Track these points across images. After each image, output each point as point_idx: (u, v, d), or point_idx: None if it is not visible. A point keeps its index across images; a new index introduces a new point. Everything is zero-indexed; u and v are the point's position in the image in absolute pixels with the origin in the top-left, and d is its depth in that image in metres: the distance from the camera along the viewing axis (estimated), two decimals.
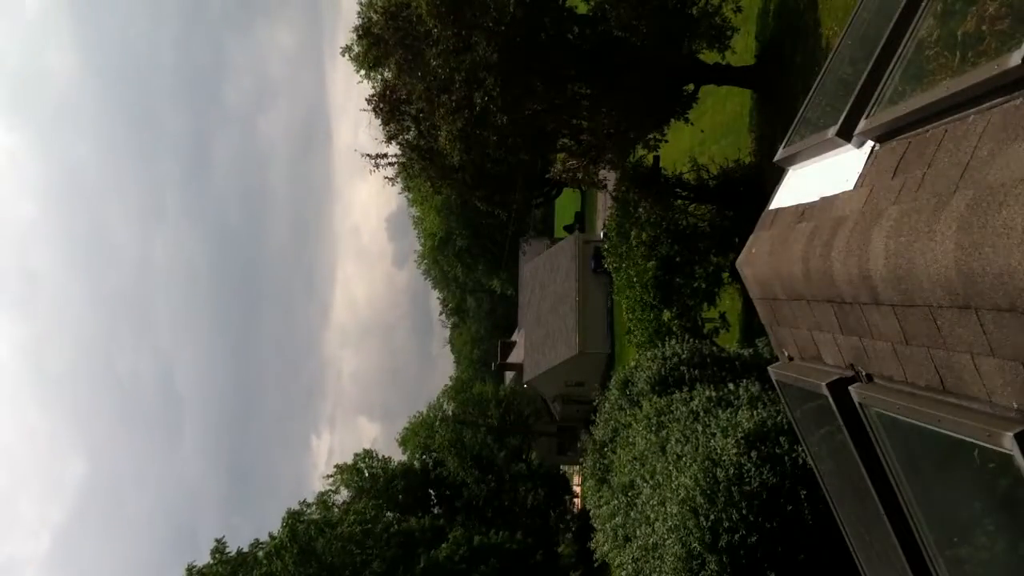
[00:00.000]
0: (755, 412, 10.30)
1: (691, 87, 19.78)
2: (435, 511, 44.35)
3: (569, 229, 57.38)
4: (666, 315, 18.77)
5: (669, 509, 9.83)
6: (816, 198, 3.83)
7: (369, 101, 18.60)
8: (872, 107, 3.48)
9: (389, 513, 39.77)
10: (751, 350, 14.46)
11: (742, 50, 21.16)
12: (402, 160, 19.33)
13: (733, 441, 9.75)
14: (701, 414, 11.23)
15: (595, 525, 13.05)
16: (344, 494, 44.61)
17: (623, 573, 11.10)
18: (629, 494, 11.65)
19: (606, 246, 20.91)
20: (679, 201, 19.35)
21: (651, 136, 19.23)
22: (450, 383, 64.38)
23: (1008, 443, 2.28)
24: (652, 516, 10.39)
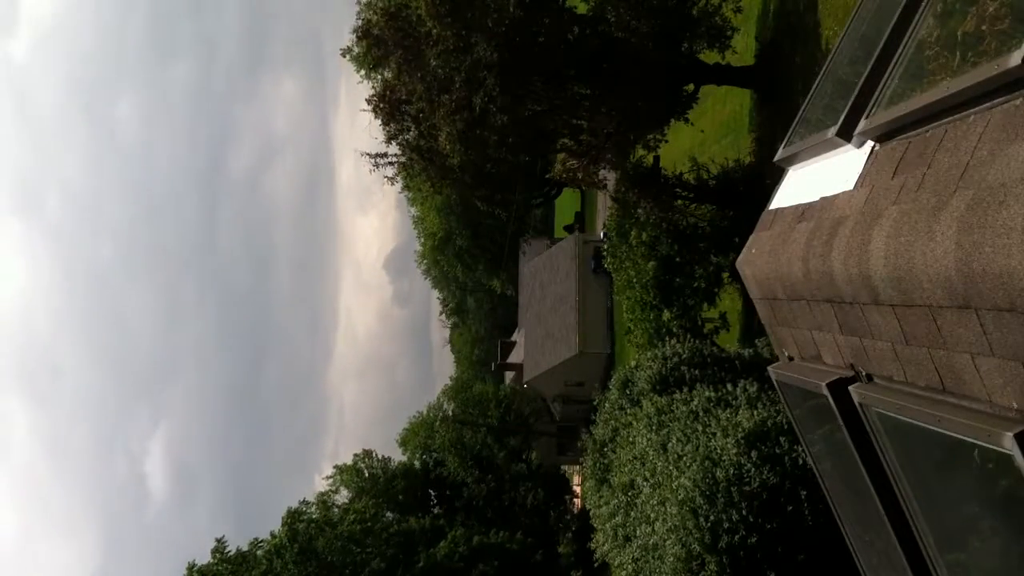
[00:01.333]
0: (755, 412, 10.30)
1: (691, 87, 19.79)
2: (435, 511, 44.34)
3: (569, 229, 57.39)
4: (666, 315, 18.77)
5: (669, 509, 9.82)
6: (816, 198, 3.83)
7: (369, 101, 18.60)
8: (872, 107, 3.48)
9: (389, 513, 39.79)
10: (751, 350, 14.46)
11: (742, 50, 21.16)
12: (402, 160, 19.33)
13: (733, 441, 9.75)
14: (701, 414, 11.23)
15: (595, 525, 13.05)
16: (344, 494, 44.64)
17: (623, 573, 11.11)
18: (629, 494, 11.65)
19: (606, 246, 20.91)
20: (679, 201, 19.34)
21: (651, 136, 19.23)
22: (450, 383, 64.42)
23: (1008, 443, 2.28)
24: (652, 516, 10.39)
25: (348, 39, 18.61)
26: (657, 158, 20.80)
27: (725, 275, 18.21)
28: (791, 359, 4.46)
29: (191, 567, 32.59)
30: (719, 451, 9.79)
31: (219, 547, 32.91)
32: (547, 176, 22.91)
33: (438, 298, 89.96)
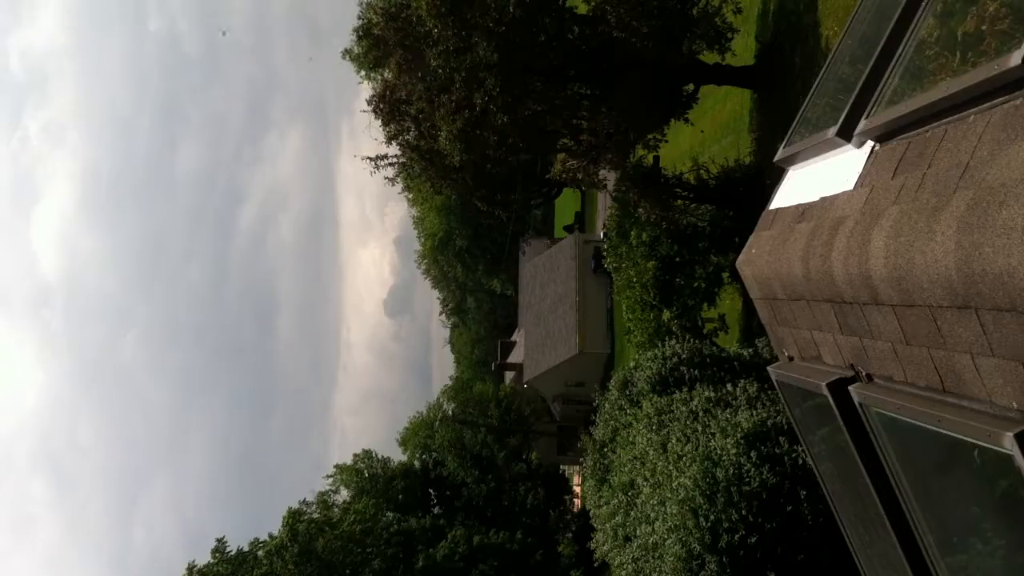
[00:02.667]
0: (755, 412, 10.30)
1: (691, 87, 19.79)
2: (435, 511, 44.34)
3: (569, 229, 57.41)
4: (666, 315, 18.77)
5: (669, 509, 9.82)
6: (816, 198, 3.83)
7: (369, 101, 18.61)
8: (872, 107, 3.48)
9: (389, 513, 39.78)
10: (751, 350, 14.45)
11: (742, 50, 21.16)
12: (402, 160, 19.33)
13: (733, 441, 9.75)
14: (700, 414, 11.23)
15: (595, 525, 13.05)
16: (344, 494, 44.64)
17: (623, 573, 11.10)
18: (629, 493, 11.65)
19: (606, 246, 20.90)
20: (679, 201, 19.34)
21: (651, 136, 19.23)
22: (450, 383, 64.42)
23: (1008, 443, 2.28)
24: (652, 516, 10.39)
25: (349, 39, 18.59)
26: (657, 158, 20.81)
27: (725, 275, 18.21)
28: (791, 359, 4.46)
29: (191, 568, 32.54)
30: (719, 451, 9.79)
31: (219, 547, 32.89)
32: (547, 176, 22.90)
33: (438, 298, 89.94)
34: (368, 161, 19.54)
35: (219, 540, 32.92)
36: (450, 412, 50.18)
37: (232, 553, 32.93)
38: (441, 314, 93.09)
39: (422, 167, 18.83)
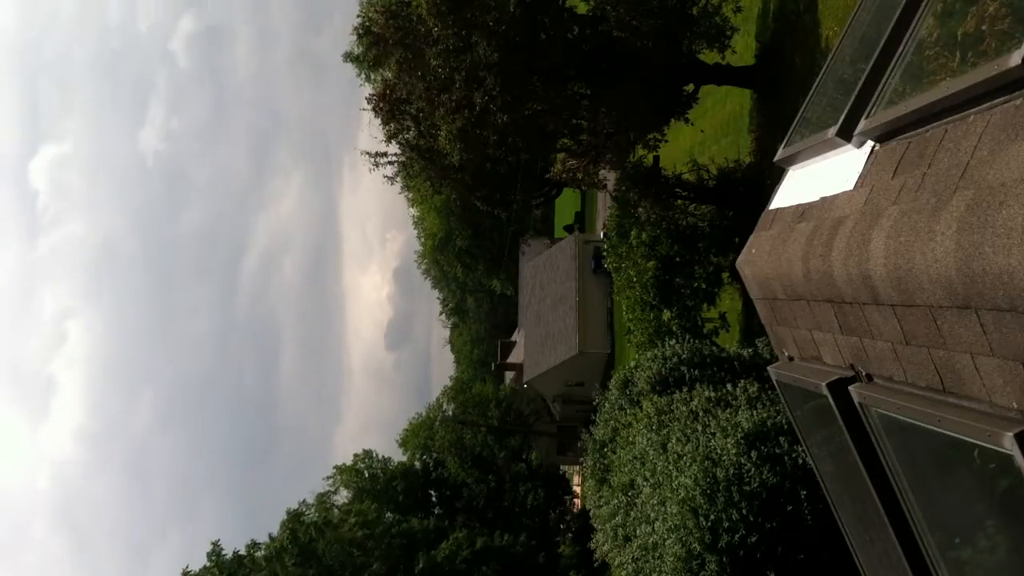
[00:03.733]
0: (755, 412, 10.29)
1: (691, 87, 19.79)
2: (436, 511, 44.33)
3: (569, 229, 57.45)
4: (666, 315, 18.77)
5: (669, 509, 9.82)
6: (816, 198, 3.83)
7: (369, 100, 18.61)
8: (872, 107, 3.48)
9: (389, 514, 39.75)
10: (751, 350, 14.44)
11: (742, 50, 21.16)
12: (402, 160, 19.34)
13: (733, 441, 9.75)
14: (700, 414, 11.23)
15: (595, 525, 13.05)
16: (344, 494, 44.62)
17: (623, 573, 11.10)
18: (629, 493, 11.65)
19: (606, 246, 20.90)
20: (679, 201, 19.35)
21: (651, 136, 19.23)
22: (450, 383, 64.42)
23: (1008, 443, 2.28)
24: (652, 516, 10.39)
25: (348, 40, 18.59)
26: (657, 158, 20.81)
27: (725, 275, 18.21)
28: (791, 359, 4.46)
29: (186, 573, 32.31)
30: (719, 451, 9.79)
31: (214, 551, 32.59)
32: (547, 176, 22.90)
33: (438, 298, 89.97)
34: (368, 157, 19.56)
35: (214, 543, 32.62)
36: (450, 412, 50.18)
37: (228, 557, 32.70)
38: (441, 314, 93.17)
39: (422, 166, 18.84)
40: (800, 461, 9.19)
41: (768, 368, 4.83)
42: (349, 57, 18.63)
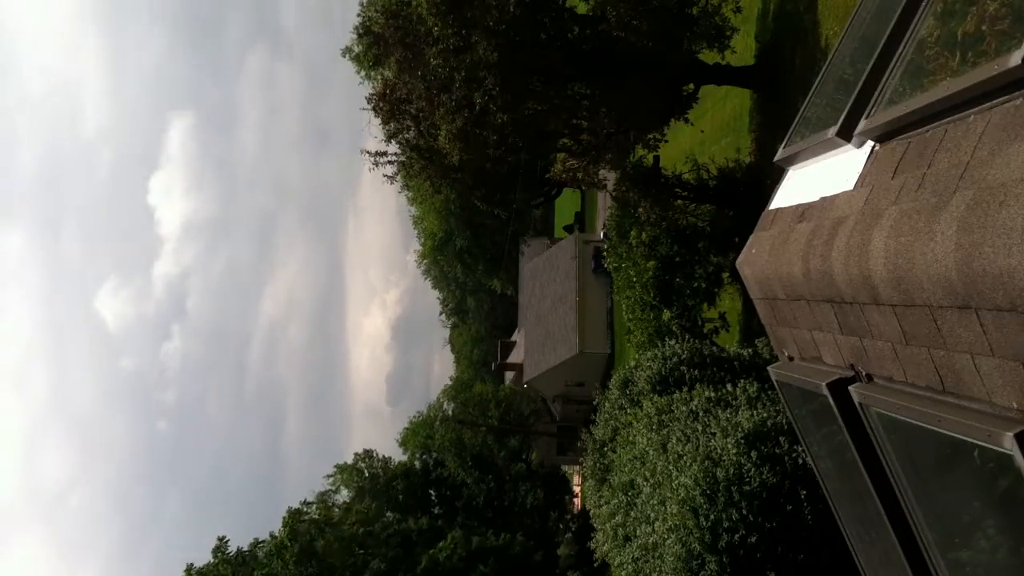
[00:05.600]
0: (755, 412, 10.29)
1: (691, 87, 19.79)
2: (435, 511, 44.35)
3: (569, 229, 57.41)
4: (666, 315, 18.76)
5: (669, 509, 9.82)
6: (816, 198, 3.83)
7: (369, 100, 18.61)
8: (872, 107, 3.48)
9: (389, 513, 39.79)
10: (751, 350, 14.45)
11: (742, 50, 21.16)
12: (402, 159, 19.33)
13: (733, 441, 9.75)
14: (701, 414, 11.23)
15: (595, 525, 13.05)
16: (344, 493, 44.67)
17: (623, 573, 11.10)
18: (629, 493, 11.65)
19: (606, 246, 20.91)
20: (679, 201, 19.34)
21: (651, 136, 19.23)
22: (450, 383, 64.42)
23: (1008, 443, 2.28)
24: (652, 516, 10.39)
25: (348, 38, 18.62)
26: (657, 158, 20.80)
27: (725, 275, 18.21)
28: (791, 359, 4.46)
29: (189, 569, 32.43)
30: (719, 451, 9.79)
31: (220, 547, 32.77)
32: (547, 176, 22.90)
33: (438, 298, 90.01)
34: (368, 156, 19.56)
35: (220, 539, 32.77)
36: (450, 412, 50.20)
37: (232, 553, 32.83)
38: (441, 314, 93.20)
39: (422, 166, 18.83)
40: (800, 461, 9.19)
41: (768, 368, 4.83)
42: (348, 54, 18.63)
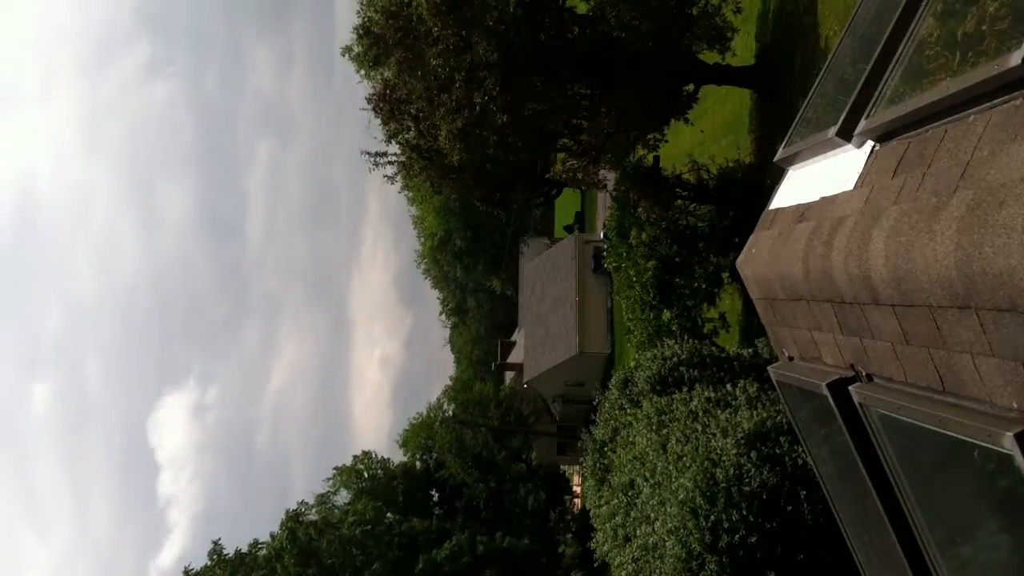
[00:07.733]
0: (755, 412, 10.29)
1: (691, 87, 19.79)
2: (436, 512, 44.34)
3: (569, 229, 57.37)
4: (666, 315, 18.76)
5: (669, 509, 9.82)
6: (816, 198, 3.83)
7: (369, 100, 18.61)
8: (872, 107, 3.48)
9: (389, 514, 39.76)
10: (751, 350, 14.44)
11: (742, 50, 21.17)
12: (402, 159, 19.33)
13: (733, 441, 9.75)
14: (700, 414, 11.23)
15: (595, 525, 13.05)
16: (344, 495, 44.63)
17: (623, 573, 11.09)
18: (629, 494, 11.65)
19: (606, 246, 20.91)
20: (679, 201, 19.35)
21: (651, 136, 19.23)
22: (450, 383, 64.42)
23: (1008, 443, 2.28)
24: (652, 516, 10.39)
25: (348, 38, 18.59)
26: (657, 158, 20.81)
27: (725, 275, 18.20)
28: (791, 359, 4.46)
29: (187, 572, 32.37)
30: (719, 451, 9.79)
31: (215, 549, 32.65)
32: (547, 176, 22.91)
33: (438, 298, 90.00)
34: (368, 157, 19.55)
35: (215, 543, 32.66)
36: (450, 413, 50.19)
37: (229, 556, 32.73)
38: (441, 314, 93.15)
39: (422, 166, 18.83)
40: (800, 461, 9.19)
41: (768, 368, 4.83)
42: (348, 54, 18.60)
